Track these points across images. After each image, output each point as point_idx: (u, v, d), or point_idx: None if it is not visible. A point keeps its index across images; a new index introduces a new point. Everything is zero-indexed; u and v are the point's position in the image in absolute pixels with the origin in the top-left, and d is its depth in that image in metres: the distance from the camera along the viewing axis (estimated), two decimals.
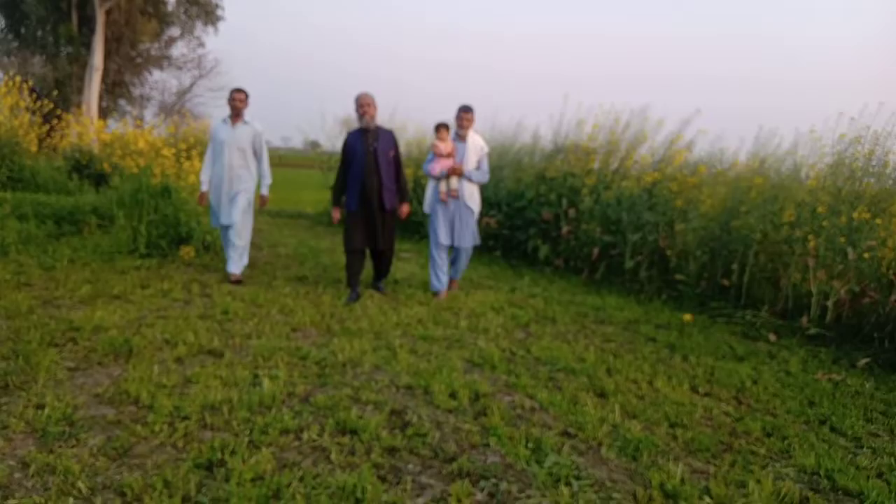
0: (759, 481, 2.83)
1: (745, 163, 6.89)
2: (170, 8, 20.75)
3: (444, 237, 6.11)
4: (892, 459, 3.23)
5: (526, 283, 7.19)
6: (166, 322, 4.60)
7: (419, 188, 10.13)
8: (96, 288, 5.43)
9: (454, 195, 6.04)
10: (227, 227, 6.31)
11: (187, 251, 7.02)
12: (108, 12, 18.36)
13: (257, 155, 6.40)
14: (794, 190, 6.16)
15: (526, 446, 3.03)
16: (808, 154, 6.28)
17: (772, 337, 5.48)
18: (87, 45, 19.09)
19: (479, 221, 6.81)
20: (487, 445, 3.03)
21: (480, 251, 8.96)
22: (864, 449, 3.38)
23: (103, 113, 19.43)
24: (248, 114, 6.34)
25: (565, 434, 3.23)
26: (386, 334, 4.74)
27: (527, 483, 2.70)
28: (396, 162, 5.96)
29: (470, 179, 6.07)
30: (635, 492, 2.69)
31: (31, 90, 11.82)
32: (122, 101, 22.26)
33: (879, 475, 3.04)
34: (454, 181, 6.02)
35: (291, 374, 3.75)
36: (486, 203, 9.21)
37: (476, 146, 6.12)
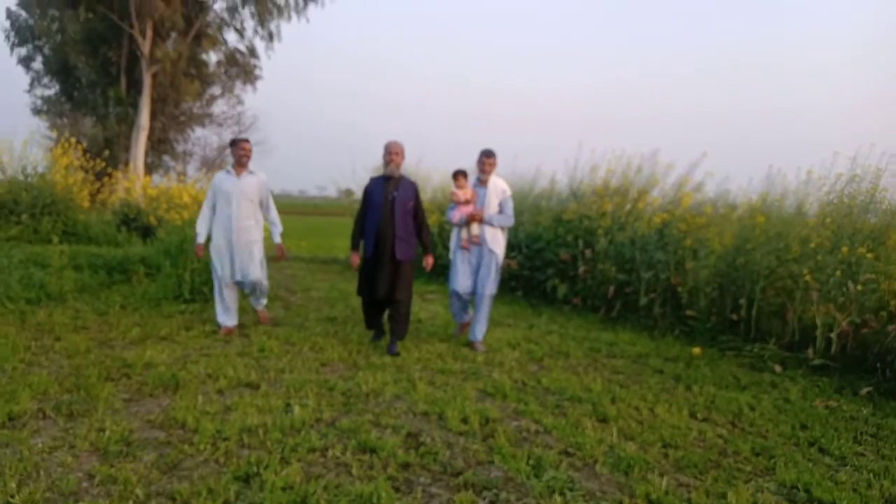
0: (738, 493, 3.12)
1: (750, 202, 7.19)
2: (211, 69, 22.03)
3: (461, 285, 6.05)
4: (871, 475, 3.48)
5: (544, 320, 7.53)
6: (208, 359, 5.07)
7: (444, 233, 10.59)
8: (145, 330, 5.95)
9: (476, 241, 5.97)
10: (239, 282, 6.25)
11: None
12: (154, 75, 19.62)
13: (263, 205, 6.27)
14: (797, 227, 6.44)
15: (527, 463, 3.37)
16: (810, 192, 6.58)
17: (777, 368, 5.72)
18: (135, 106, 20.34)
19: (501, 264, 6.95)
20: (492, 462, 3.38)
21: (501, 291, 9.25)
22: (847, 466, 3.63)
23: (149, 169, 20.57)
24: (251, 164, 6.24)
25: (564, 453, 3.56)
26: (407, 368, 5.13)
27: (525, 493, 3.04)
28: (416, 213, 5.76)
29: (491, 224, 5.97)
30: (621, 500, 3.01)
31: (85, 150, 12.72)
32: (166, 157, 23.49)
33: (854, 489, 3.30)
34: (475, 227, 5.97)
35: (319, 402, 4.16)
36: (507, 245, 9.63)
37: (497, 190, 6.05)
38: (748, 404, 4.65)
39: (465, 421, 3.96)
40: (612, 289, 7.77)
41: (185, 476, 3.03)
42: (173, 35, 20.34)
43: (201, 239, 6.19)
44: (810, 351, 5.84)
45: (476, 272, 6.04)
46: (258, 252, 6.21)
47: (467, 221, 5.99)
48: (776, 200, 6.91)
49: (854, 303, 5.69)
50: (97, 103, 22.34)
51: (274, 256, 6.75)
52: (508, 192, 6.15)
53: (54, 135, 20.52)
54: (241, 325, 6.45)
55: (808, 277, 5.83)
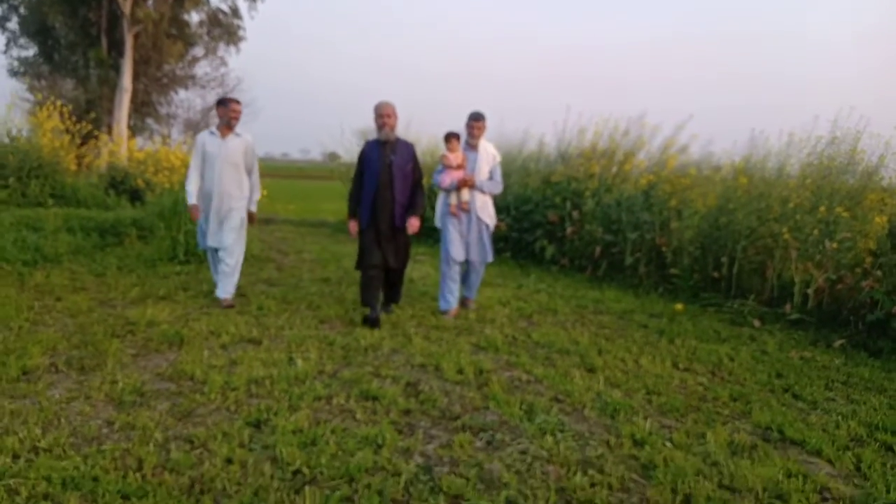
0: (716, 433, 3.36)
1: (734, 164, 7.38)
2: (194, 30, 21.64)
3: (456, 252, 5.77)
4: (840, 417, 3.74)
5: (532, 280, 7.73)
6: (209, 317, 5.23)
7: (433, 196, 10.69)
8: (144, 290, 6.07)
9: (465, 208, 5.74)
10: (215, 249, 5.88)
11: None
12: (136, 36, 19.24)
13: (248, 169, 5.88)
14: (778, 188, 6.65)
15: (520, 408, 3.59)
16: (791, 154, 6.77)
17: (756, 323, 5.97)
18: (117, 68, 19.99)
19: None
20: (487, 408, 3.60)
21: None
22: (818, 410, 3.89)
23: (132, 131, 20.30)
24: (239, 125, 5.84)
25: (555, 399, 3.79)
26: (402, 325, 5.32)
27: (518, 434, 3.26)
28: (414, 177, 5.47)
29: (482, 191, 5.77)
30: (608, 440, 3.24)
31: (70, 113, 12.60)
32: (149, 120, 23.17)
33: (824, 429, 3.55)
34: (465, 193, 5.72)
35: (321, 356, 4.34)
36: (496, 208, 9.78)
37: (488, 155, 5.85)
38: (727, 355, 4.90)
39: (460, 371, 4.16)
40: (598, 249, 7.98)
41: (199, 422, 3.21)
42: None
43: (192, 199, 5.73)
44: (788, 306, 6.10)
45: (465, 242, 5.83)
46: (235, 219, 5.78)
47: (458, 187, 5.72)
48: (758, 162, 7.11)
49: (830, 260, 5.93)
50: (77, 65, 21.92)
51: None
52: (498, 158, 5.98)
53: (34, 97, 20.26)
54: (237, 286, 6.57)
55: (786, 236, 6.06)
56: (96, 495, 2.47)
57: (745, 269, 6.74)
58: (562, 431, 3.31)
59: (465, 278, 6.05)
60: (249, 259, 8.02)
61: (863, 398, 4.12)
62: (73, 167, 12.47)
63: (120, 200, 11.45)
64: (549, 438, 3.19)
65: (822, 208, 5.92)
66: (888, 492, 2.82)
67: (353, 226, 5.55)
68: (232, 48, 22.30)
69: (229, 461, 2.80)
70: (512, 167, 9.85)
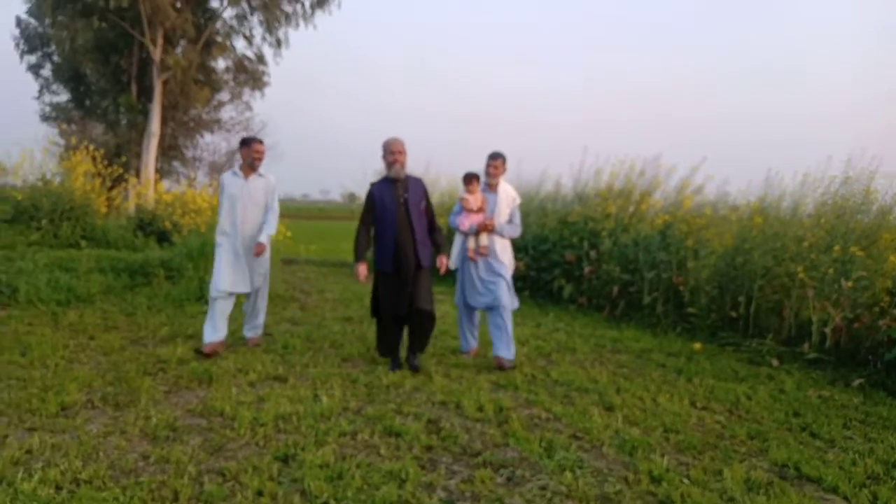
0: (733, 471, 3.42)
1: (749, 204, 7.49)
2: (220, 76, 22.40)
3: (474, 299, 5.62)
4: (857, 455, 3.77)
5: (550, 319, 7.83)
6: (237, 356, 5.39)
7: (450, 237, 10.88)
8: (173, 329, 6.27)
9: (483, 252, 5.55)
10: (241, 293, 5.72)
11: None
12: (165, 82, 19.98)
13: (268, 207, 5.76)
14: (793, 227, 6.73)
15: (539, 445, 3.67)
16: (806, 194, 6.87)
17: (774, 362, 6.00)
18: (145, 113, 20.71)
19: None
20: (507, 445, 3.69)
21: None
22: (835, 448, 3.92)
23: (159, 174, 20.90)
24: (261, 166, 5.79)
25: (574, 437, 3.87)
26: (423, 363, 5.44)
27: (538, 471, 3.35)
28: (429, 213, 5.29)
29: (501, 235, 5.62)
30: (626, 477, 3.31)
31: (102, 157, 13.07)
32: (176, 163, 23.89)
33: (841, 467, 3.59)
34: (484, 238, 5.55)
35: (345, 393, 4.47)
36: (514, 247, 9.94)
37: (508, 197, 5.70)
38: (745, 394, 4.94)
39: (480, 409, 4.26)
40: (616, 288, 8.07)
41: (230, 456, 3.35)
42: (183, 42, 20.71)
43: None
44: (806, 345, 6.13)
45: (482, 287, 5.58)
46: (264, 261, 5.76)
47: (477, 231, 5.55)
48: (774, 201, 7.21)
49: (847, 299, 5.98)
50: (108, 110, 22.77)
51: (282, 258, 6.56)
52: (518, 200, 5.81)
53: (65, 142, 20.97)
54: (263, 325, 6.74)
55: (801, 275, 6.12)
56: None
57: (762, 309, 6.79)
58: (580, 468, 3.39)
59: (494, 337, 5.51)
60: (274, 298, 8.24)
61: (881, 437, 4.15)
62: (104, 210, 12.87)
63: (148, 242, 11.77)
64: (568, 475, 3.28)
65: (837, 247, 5.99)
66: None
67: (363, 269, 5.19)
68: (257, 93, 23.00)
69: (260, 493, 2.93)
70: (529, 207, 10.04)
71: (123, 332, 6.15)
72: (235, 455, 3.37)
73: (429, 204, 5.34)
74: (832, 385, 5.43)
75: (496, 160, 5.65)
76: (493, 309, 5.49)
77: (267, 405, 4.13)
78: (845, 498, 3.21)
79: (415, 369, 5.16)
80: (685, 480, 3.29)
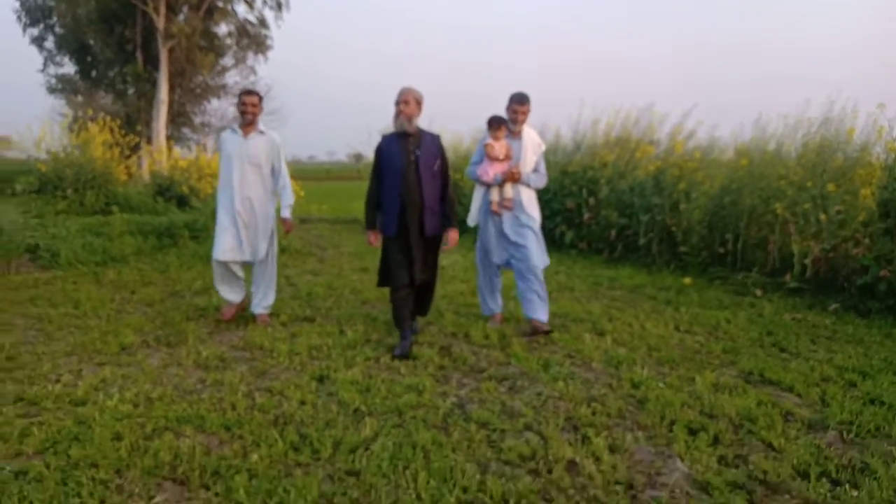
0: (704, 377, 3.97)
1: (737, 147, 7.91)
2: (223, 41, 22.62)
3: (496, 255, 5.13)
4: (815, 363, 4.32)
5: (552, 263, 8.29)
6: None
7: (464, 197, 11.31)
8: (205, 282, 6.84)
9: (509, 206, 5.01)
10: (246, 262, 5.39)
11: None
12: (170, 50, 20.27)
13: (275, 171, 5.29)
14: (776, 168, 7.17)
15: (537, 363, 4.24)
16: (788, 136, 7.30)
17: (758, 292, 6.53)
18: (153, 82, 21.05)
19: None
20: (509, 363, 4.27)
21: None
22: (799, 358, 4.47)
23: (171, 141, 21.35)
24: (262, 122, 5.33)
25: (568, 356, 4.44)
26: (435, 303, 5.98)
27: (535, 381, 3.92)
28: (443, 175, 4.66)
29: (528, 185, 5.06)
30: (611, 383, 3.88)
31: (120, 128, 13.54)
32: (185, 130, 24.27)
33: (800, 372, 4.13)
34: (509, 189, 5.01)
35: (367, 328, 5.06)
36: None
37: (533, 143, 5.11)
38: (726, 319, 5.48)
39: (486, 337, 4.84)
40: (613, 232, 8.57)
41: (274, 378, 3.94)
42: (185, 9, 20.91)
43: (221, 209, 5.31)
44: (788, 276, 6.64)
45: (509, 241, 5.06)
46: (267, 227, 5.29)
47: (502, 181, 5.01)
48: (760, 143, 7.63)
49: (825, 232, 6.46)
50: (115, 80, 23.08)
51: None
52: (543, 147, 5.26)
53: (71, 112, 21.37)
54: (287, 277, 7.31)
55: (780, 211, 6.60)
56: (205, 427, 3.20)
57: (749, 244, 7.28)
58: (572, 379, 3.96)
59: (522, 291, 5.03)
60: (293, 254, 8.83)
61: (841, 349, 4.68)
62: (124, 177, 13.40)
63: (169, 206, 12.31)
64: (560, 383, 3.85)
65: (810, 183, 6.45)
66: (841, 414, 3.41)
67: (374, 237, 4.74)
68: (260, 57, 23.21)
69: (303, 403, 3.52)
70: None
71: (160, 286, 6.75)
72: (278, 377, 3.96)
73: (445, 165, 4.68)
74: (809, 309, 5.96)
75: (523, 104, 4.98)
76: (522, 268, 4.97)
77: (300, 339, 4.72)
78: (798, 395, 3.76)
79: (413, 331, 4.77)
80: (661, 384, 3.85)
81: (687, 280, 6.93)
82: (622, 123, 9.32)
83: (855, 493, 2.63)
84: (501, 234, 5.09)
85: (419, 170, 4.50)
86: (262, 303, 5.39)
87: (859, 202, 6.39)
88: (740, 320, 5.46)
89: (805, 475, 2.78)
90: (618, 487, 2.67)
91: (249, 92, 5.24)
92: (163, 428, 3.18)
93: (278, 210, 5.42)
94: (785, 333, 5.06)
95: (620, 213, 8.58)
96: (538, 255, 5.03)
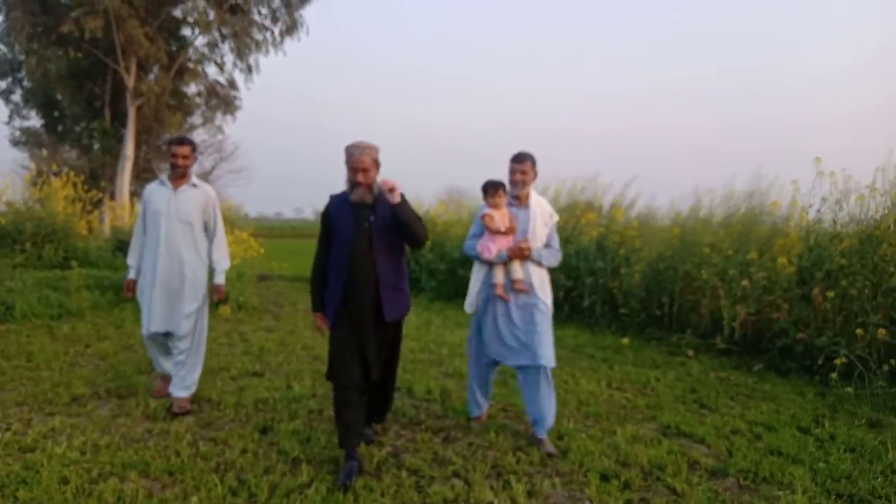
0: (625, 430, 4.29)
1: (673, 216, 8.49)
2: (192, 100, 23.07)
3: (495, 349, 4.19)
4: (729, 417, 4.67)
5: None
6: (218, 357, 6.14)
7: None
8: None
9: (522, 288, 4.10)
10: (162, 334, 4.64)
11: (224, 310, 8.60)
12: (138, 108, 20.59)
13: (209, 230, 4.72)
14: (707, 236, 7.71)
15: None
16: (717, 206, 7.90)
17: (690, 352, 6.93)
18: (119, 138, 21.26)
19: (464, 276, 7.22)
20: (447, 416, 4.53)
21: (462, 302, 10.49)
22: (715, 413, 4.82)
23: (132, 197, 21.43)
24: (194, 175, 4.72)
25: (502, 409, 4.73)
26: None
27: (468, 433, 4.19)
28: (401, 248, 3.84)
29: (539, 263, 4.18)
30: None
31: (83, 183, 13.67)
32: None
33: (714, 426, 4.47)
34: (518, 267, 4.11)
35: (314, 383, 5.27)
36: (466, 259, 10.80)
37: (543, 212, 4.26)
38: (655, 377, 5.84)
39: (428, 392, 5.10)
40: (561, 294, 8.97)
41: (219, 428, 4.13)
42: (156, 69, 21.36)
43: (132, 274, 4.75)
44: (718, 338, 7.07)
45: (510, 336, 4.14)
46: (193, 296, 4.59)
47: (508, 258, 4.10)
48: (694, 211, 8.21)
49: (750, 297, 6.94)
50: (81, 135, 23.24)
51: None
52: (556, 218, 4.38)
53: (34, 166, 21.37)
54: (240, 333, 7.49)
55: (705, 276, 7.09)
56: (149, 472, 3.38)
57: (683, 308, 7.73)
58: (503, 430, 4.23)
59: (527, 398, 4.14)
60: (249, 310, 9.00)
61: (756, 405, 5.05)
62: (85, 232, 13.46)
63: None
64: (492, 434, 4.13)
65: (731, 252, 6.97)
66: (743, 462, 3.74)
67: (322, 320, 3.88)
68: (228, 116, 23.69)
69: (244, 451, 3.72)
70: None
71: (114, 340, 6.86)
72: (223, 427, 4.15)
73: (403, 221, 3.62)
74: (736, 369, 6.35)
75: (523, 163, 4.15)
76: (529, 367, 4.10)
77: (247, 392, 4.92)
78: (707, 445, 4.09)
79: (368, 441, 3.92)
80: (584, 436, 4.15)
81: (625, 340, 7.32)
82: (569, 191, 9.87)
83: None
84: (505, 324, 4.15)
85: (372, 240, 3.62)
86: (184, 382, 4.59)
87: (779, 268, 6.90)
88: (669, 378, 5.82)
89: None
90: None
91: (181, 141, 4.62)
92: (108, 473, 3.35)
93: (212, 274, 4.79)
94: (707, 391, 5.42)
95: (567, 275, 9.01)
96: (551, 352, 4.15)
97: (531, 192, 4.25)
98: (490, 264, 4.19)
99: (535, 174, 4.22)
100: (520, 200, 4.23)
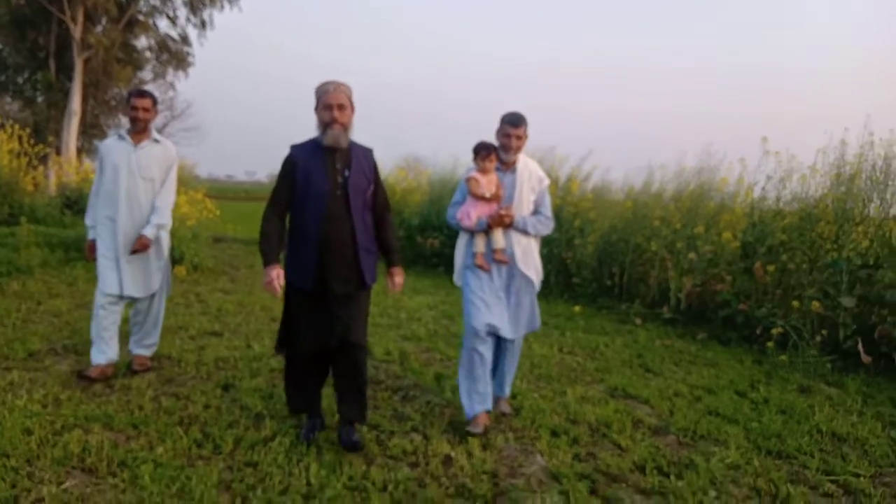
0: (574, 390, 4.52)
1: (625, 190, 8.75)
2: (143, 54, 22.33)
3: (486, 319, 3.78)
4: (672, 381, 4.95)
5: (459, 290, 8.85)
6: (176, 317, 6.13)
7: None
8: None
9: (502, 258, 3.84)
10: (118, 297, 4.40)
11: (179, 270, 8.52)
12: (86, 61, 19.83)
13: (163, 184, 4.45)
14: (657, 210, 7.99)
15: (432, 377, 4.67)
16: (667, 182, 8.18)
17: (638, 321, 7.23)
18: (65, 91, 20.48)
19: (423, 244, 7.42)
20: (406, 376, 4.68)
21: (425, 267, 10.66)
22: (659, 377, 5.10)
23: (80, 153, 20.74)
24: (155, 129, 4.50)
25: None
26: None
27: (426, 391, 4.35)
28: (378, 203, 3.51)
29: (525, 231, 3.87)
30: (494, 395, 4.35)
31: (30, 136, 13.18)
32: (96, 142, 23.58)
33: (658, 389, 4.75)
34: (500, 237, 3.82)
35: (273, 343, 5.33)
36: (430, 226, 10.94)
37: (532, 177, 3.94)
38: (605, 343, 6.10)
39: (388, 353, 5.24)
40: None
41: (180, 384, 4.19)
42: (104, 20, 20.56)
43: (92, 234, 4.43)
44: (665, 308, 7.39)
45: (501, 307, 3.88)
46: (157, 254, 4.47)
47: (488, 226, 3.81)
48: (646, 186, 8.47)
49: (696, 269, 7.26)
50: (24, 87, 22.30)
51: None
52: (546, 182, 4.04)
53: None
54: (197, 294, 7.47)
55: (654, 248, 7.39)
56: (112, 425, 3.43)
57: (633, 278, 8.04)
58: (457, 390, 4.40)
59: (494, 365, 4.00)
60: (206, 272, 8.96)
61: (697, 371, 5.36)
62: (31, 188, 13.03)
63: (76, 220, 12.09)
64: (448, 393, 4.30)
65: (679, 225, 7.27)
66: (683, 422, 4.01)
67: (276, 274, 3.27)
68: (181, 73, 23.02)
69: (207, 406, 3.80)
70: (445, 189, 11.02)
71: (68, 298, 6.77)
72: (185, 384, 4.21)
73: (379, 189, 3.53)
74: (680, 338, 6.67)
75: (517, 126, 3.77)
76: (510, 341, 3.97)
77: (207, 351, 4.97)
78: (651, 406, 4.35)
79: (354, 447, 3.35)
80: (535, 395, 4.36)
81: (577, 308, 7.58)
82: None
83: (679, 483, 3.18)
84: (491, 294, 3.87)
85: (349, 197, 3.28)
86: (145, 340, 4.55)
87: (724, 242, 7.23)
88: (617, 344, 6.09)
89: (642, 469, 3.32)
90: (484, 476, 3.12)
91: (141, 93, 4.36)
92: (72, 425, 3.40)
93: (174, 232, 4.54)
94: (653, 356, 5.71)
95: None
96: (528, 322, 4.02)
97: (521, 156, 3.91)
98: (471, 232, 3.90)
99: (527, 137, 3.85)
100: (506, 165, 3.88)
